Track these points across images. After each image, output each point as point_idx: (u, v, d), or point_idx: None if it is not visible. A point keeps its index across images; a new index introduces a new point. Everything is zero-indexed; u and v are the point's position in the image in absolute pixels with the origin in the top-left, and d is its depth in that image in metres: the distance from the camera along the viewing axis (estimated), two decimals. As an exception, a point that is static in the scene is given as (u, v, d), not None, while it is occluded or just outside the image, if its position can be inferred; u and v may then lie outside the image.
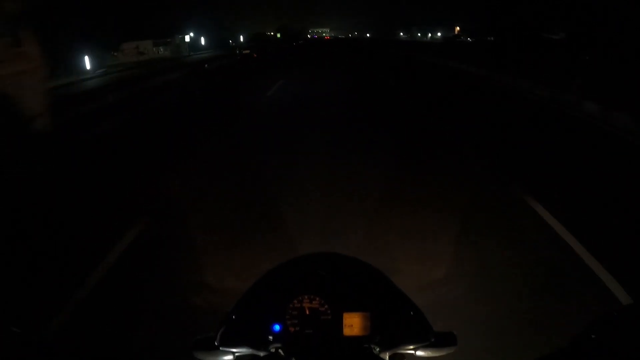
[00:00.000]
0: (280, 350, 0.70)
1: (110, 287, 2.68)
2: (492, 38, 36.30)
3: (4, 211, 3.89)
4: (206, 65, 20.09)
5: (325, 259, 0.88)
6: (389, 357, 0.73)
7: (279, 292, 0.75)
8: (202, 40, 37.00)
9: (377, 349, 0.71)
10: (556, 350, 0.58)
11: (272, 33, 75.92)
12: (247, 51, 29.14)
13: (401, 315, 0.74)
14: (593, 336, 0.56)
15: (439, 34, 66.11)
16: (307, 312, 0.72)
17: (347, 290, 0.75)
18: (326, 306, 0.72)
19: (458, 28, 69.70)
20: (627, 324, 0.57)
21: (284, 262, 0.84)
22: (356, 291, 0.75)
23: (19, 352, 0.56)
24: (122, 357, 1.80)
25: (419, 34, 73.13)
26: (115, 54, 26.88)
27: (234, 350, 0.72)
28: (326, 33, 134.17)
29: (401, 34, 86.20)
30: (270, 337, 0.71)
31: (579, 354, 0.57)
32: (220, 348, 0.71)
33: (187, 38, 35.27)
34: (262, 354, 0.71)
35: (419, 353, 0.73)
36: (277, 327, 0.71)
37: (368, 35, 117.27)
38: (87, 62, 20.74)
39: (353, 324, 0.71)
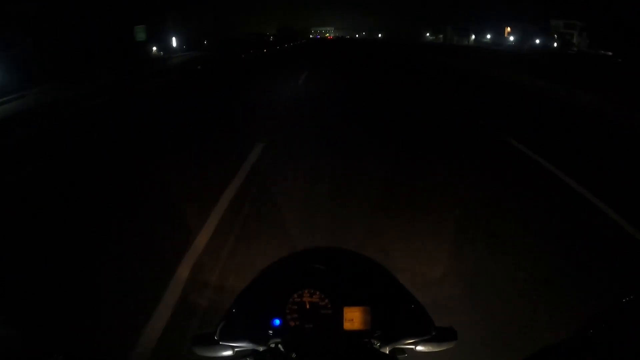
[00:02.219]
0: (280, 345, 0.69)
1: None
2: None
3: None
4: None
5: (326, 253, 0.88)
6: (389, 351, 0.71)
7: (279, 286, 0.74)
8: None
9: (378, 344, 0.70)
10: (563, 340, 0.57)
11: (268, 33, 65.96)
12: None
13: (402, 310, 0.74)
14: (603, 325, 0.57)
15: (488, 36, 47.16)
16: (307, 307, 0.71)
17: (348, 284, 0.74)
18: (326, 300, 0.71)
19: (509, 29, 51.14)
20: (635, 313, 0.57)
21: (284, 257, 0.84)
22: (357, 285, 0.74)
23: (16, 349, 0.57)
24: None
25: (456, 38, 54.11)
26: None
27: (234, 344, 0.70)
28: (330, 32, 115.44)
29: (427, 34, 67.23)
30: (270, 332, 0.69)
31: (586, 344, 0.56)
32: (220, 343, 0.70)
33: None
34: (261, 348, 0.70)
35: (419, 348, 0.72)
36: (277, 322, 0.70)
37: (380, 35, 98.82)
38: None
39: (353, 318, 0.70)
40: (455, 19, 57.40)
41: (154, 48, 23.40)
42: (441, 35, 59.90)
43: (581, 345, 0.56)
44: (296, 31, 77.80)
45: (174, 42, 24.09)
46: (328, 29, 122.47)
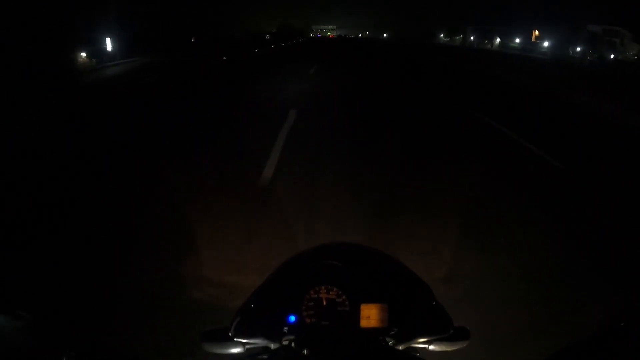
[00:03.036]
0: (292, 343, 0.67)
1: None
2: None
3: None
4: None
5: (344, 250, 0.87)
6: (403, 349, 0.70)
7: (296, 282, 0.72)
8: None
9: (392, 341, 0.68)
10: (584, 338, 0.56)
11: (272, 31, 63.78)
12: None
13: (420, 308, 0.72)
14: (622, 324, 0.56)
15: (517, 40, 40.49)
16: (324, 303, 0.69)
17: (365, 281, 0.72)
18: (344, 297, 0.69)
19: (537, 32, 44.43)
20: None
21: (301, 253, 0.83)
22: (374, 282, 0.73)
23: (25, 336, 0.56)
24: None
25: (472, 38, 47.28)
26: None
27: (246, 341, 0.69)
28: (331, 31, 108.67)
29: (441, 35, 60.36)
30: (286, 329, 0.68)
31: (608, 342, 0.55)
32: (235, 339, 0.69)
33: None
34: (273, 345, 0.68)
35: (432, 347, 0.70)
36: (292, 318, 0.68)
37: (385, 35, 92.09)
38: None
39: (370, 315, 0.68)
40: (474, 18, 50.62)
41: (83, 54, 16.60)
42: (457, 37, 52.95)
43: (598, 346, 0.54)
44: (295, 30, 72.01)
45: (110, 45, 17.33)
46: (330, 27, 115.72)
